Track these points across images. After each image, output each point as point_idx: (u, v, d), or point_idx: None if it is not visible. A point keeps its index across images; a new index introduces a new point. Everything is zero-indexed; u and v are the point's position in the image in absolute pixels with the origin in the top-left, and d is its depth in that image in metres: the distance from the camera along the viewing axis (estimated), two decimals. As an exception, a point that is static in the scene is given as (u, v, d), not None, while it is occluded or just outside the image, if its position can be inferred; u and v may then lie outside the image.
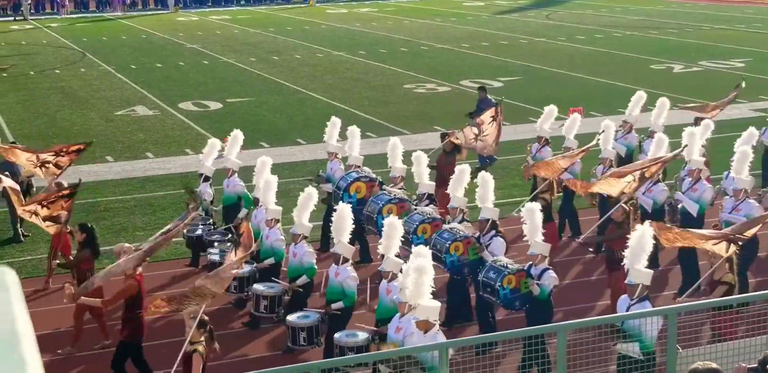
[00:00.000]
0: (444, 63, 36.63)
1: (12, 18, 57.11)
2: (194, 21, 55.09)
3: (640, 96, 18.76)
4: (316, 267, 12.61)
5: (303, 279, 12.47)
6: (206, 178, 15.61)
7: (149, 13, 60.73)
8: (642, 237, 10.01)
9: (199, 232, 15.02)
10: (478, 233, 12.57)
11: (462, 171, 13.54)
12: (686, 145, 14.82)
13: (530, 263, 11.57)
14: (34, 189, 17.37)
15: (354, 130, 15.89)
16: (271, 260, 13.17)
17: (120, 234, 17.01)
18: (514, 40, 42.98)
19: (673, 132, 17.04)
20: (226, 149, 15.76)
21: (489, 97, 22.31)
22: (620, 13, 53.76)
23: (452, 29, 47.63)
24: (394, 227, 11.37)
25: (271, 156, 14.94)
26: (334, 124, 16.33)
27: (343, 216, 11.84)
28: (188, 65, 37.32)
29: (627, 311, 9.90)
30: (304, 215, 12.70)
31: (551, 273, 11.37)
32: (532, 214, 11.76)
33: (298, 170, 20.75)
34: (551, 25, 49.18)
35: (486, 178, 12.96)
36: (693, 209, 14.11)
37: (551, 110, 17.64)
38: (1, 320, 1.48)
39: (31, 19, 56.27)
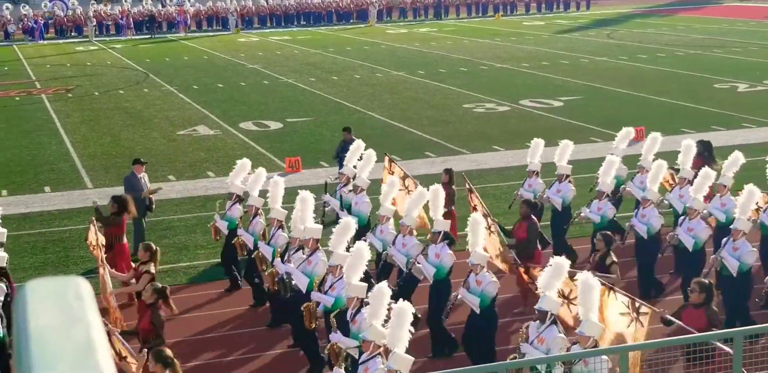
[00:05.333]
0: (503, 82, 36.55)
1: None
2: (255, 42, 55.73)
3: (368, 156, 15.92)
4: None
5: None
6: None
7: (211, 34, 61.57)
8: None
9: None
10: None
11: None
12: None
13: None
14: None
15: None
16: None
17: (181, 252, 17.22)
18: (574, 59, 42.77)
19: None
20: None
21: (353, 137, 18.92)
22: (683, 32, 53.24)
23: (512, 49, 47.56)
24: None
25: (331, 176, 14.94)
26: None
27: None
28: (249, 85, 37.72)
29: None
30: None
31: None
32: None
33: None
34: (612, 44, 48.86)
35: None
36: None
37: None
38: (76, 328, 1.49)
39: (96, 41, 57.37)
